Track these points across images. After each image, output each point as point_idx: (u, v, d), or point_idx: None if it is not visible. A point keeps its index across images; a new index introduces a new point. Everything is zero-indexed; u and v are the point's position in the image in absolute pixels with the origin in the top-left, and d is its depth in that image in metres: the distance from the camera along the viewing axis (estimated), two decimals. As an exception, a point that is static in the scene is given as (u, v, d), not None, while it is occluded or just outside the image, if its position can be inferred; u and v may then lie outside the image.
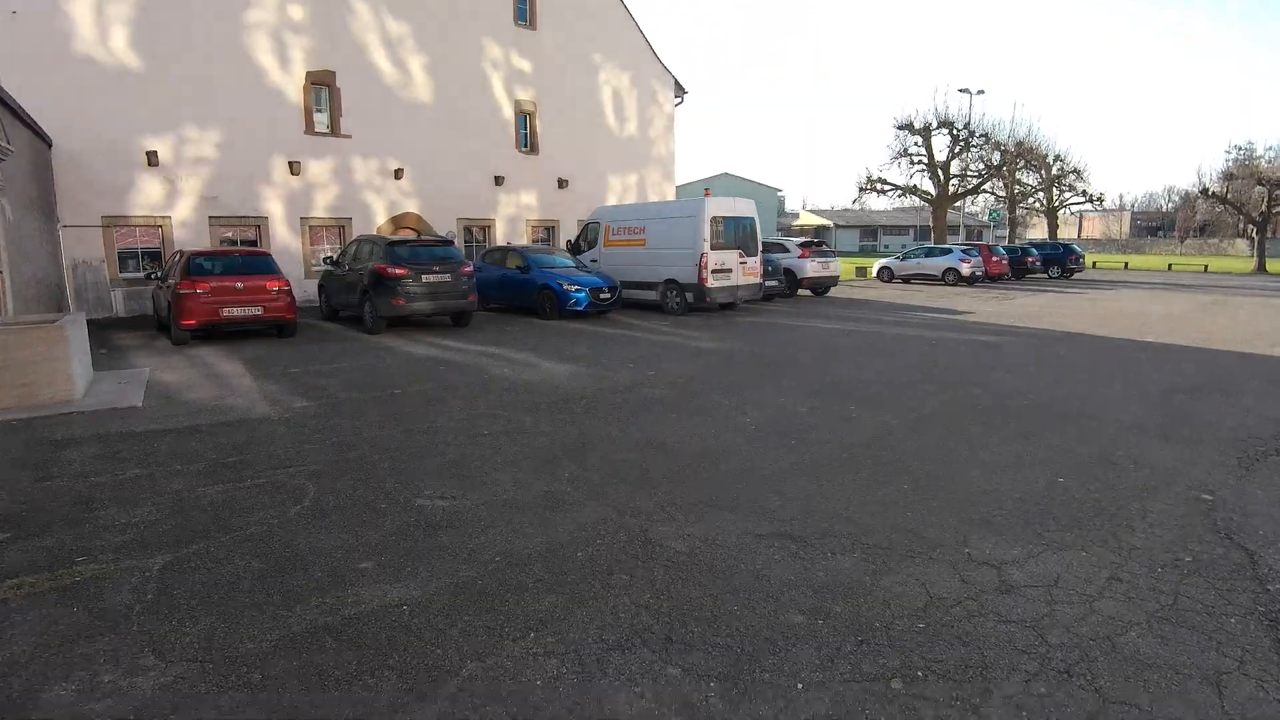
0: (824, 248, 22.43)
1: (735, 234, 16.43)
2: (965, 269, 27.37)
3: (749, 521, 4.37)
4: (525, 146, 23.06)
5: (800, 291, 21.29)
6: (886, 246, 76.28)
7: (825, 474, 5.25)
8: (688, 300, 16.02)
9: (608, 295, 15.51)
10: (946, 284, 27.33)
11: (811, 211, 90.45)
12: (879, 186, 38.69)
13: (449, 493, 4.86)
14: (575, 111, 24.05)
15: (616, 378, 8.90)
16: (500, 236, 22.43)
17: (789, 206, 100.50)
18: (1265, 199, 43.94)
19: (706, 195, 16.35)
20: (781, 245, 21.80)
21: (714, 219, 15.89)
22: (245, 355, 10.65)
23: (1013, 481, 5.11)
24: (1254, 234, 50.11)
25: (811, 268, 20.94)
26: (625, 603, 3.37)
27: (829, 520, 4.38)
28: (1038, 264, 33.15)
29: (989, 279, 29.00)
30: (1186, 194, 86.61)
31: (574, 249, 18.87)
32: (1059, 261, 34.34)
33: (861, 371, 9.32)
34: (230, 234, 17.75)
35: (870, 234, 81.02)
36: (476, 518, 4.42)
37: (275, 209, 18.25)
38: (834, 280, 22.07)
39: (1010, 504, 4.67)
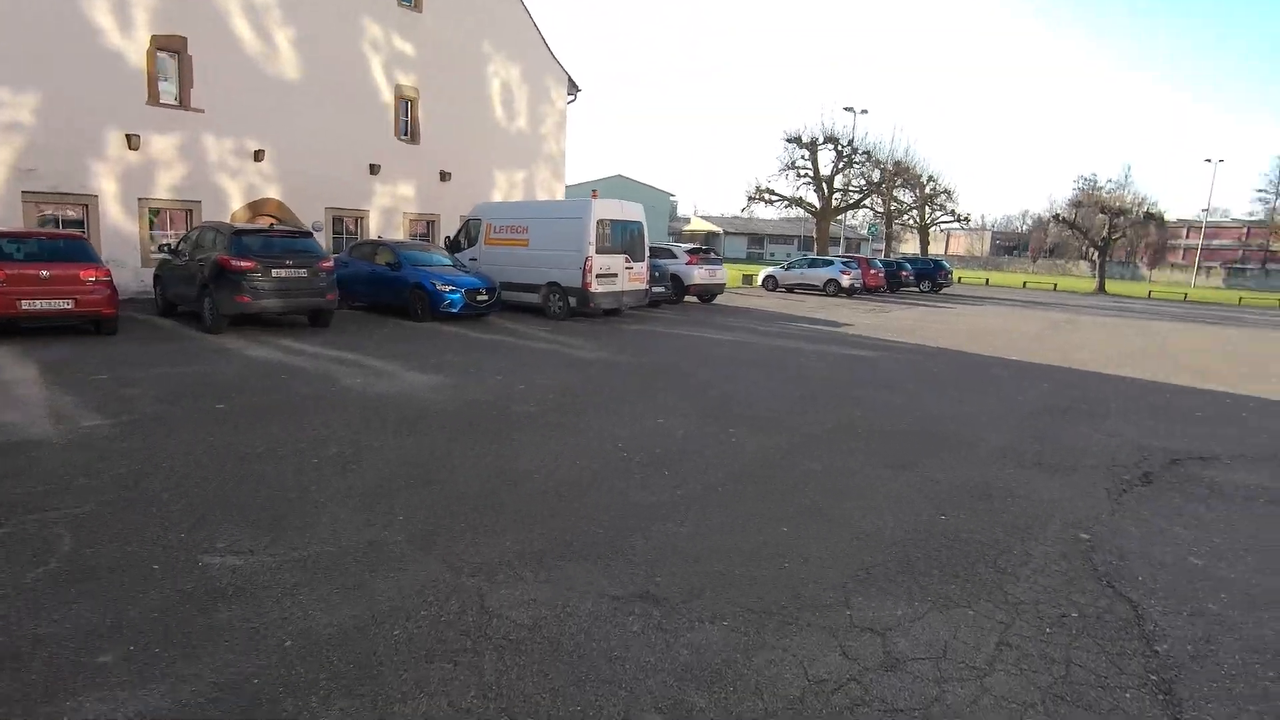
0: (711, 255, 22.36)
1: (622, 238, 15.92)
2: (845, 281, 28.17)
3: (608, 577, 3.77)
4: (405, 135, 21.66)
5: (687, 298, 21.10)
6: (773, 255, 78.55)
7: (699, 511, 4.74)
8: (571, 305, 15.37)
9: (485, 297, 14.60)
10: (828, 294, 28.04)
11: (702, 218, 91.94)
12: (767, 196, 39.46)
13: (248, 544, 3.98)
14: (461, 101, 22.85)
15: (483, 390, 8.12)
16: (374, 229, 20.95)
17: (681, 211, 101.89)
18: (1106, 226, 48.17)
19: (594, 197, 15.76)
20: (669, 251, 21.53)
21: (601, 222, 15.32)
22: (45, 358, 9.06)
23: (896, 519, 4.78)
24: (1095, 257, 55.04)
25: (699, 275, 20.78)
26: (440, 708, 2.68)
27: (699, 575, 3.85)
28: (911, 278, 34.72)
29: (867, 291, 30.01)
30: (1039, 218, 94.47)
31: (453, 246, 17.80)
32: (930, 276, 36.14)
33: (745, 387, 8.99)
34: (50, 212, 15.50)
35: (758, 242, 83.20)
36: (274, 582, 3.58)
37: (107, 187, 16.09)
38: (721, 288, 22.03)
39: (893, 549, 4.31)
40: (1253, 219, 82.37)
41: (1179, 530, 4.86)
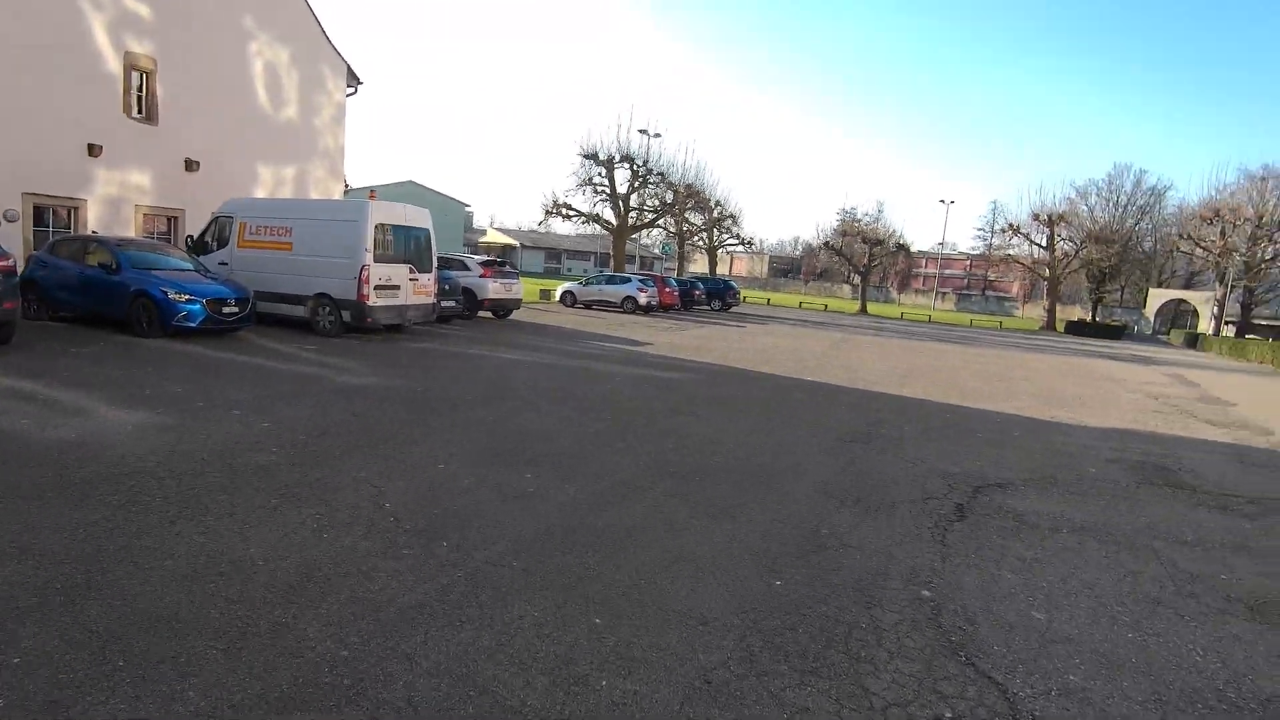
0: (507, 268, 21.13)
1: (406, 246, 14.26)
2: (642, 298, 28.25)
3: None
4: (140, 113, 18.09)
5: (481, 314, 19.69)
6: (570, 270, 78.62)
7: (475, 617, 3.58)
8: (344, 320, 13.41)
9: (235, 309, 12.22)
10: (625, 311, 27.93)
11: (499, 230, 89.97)
12: (564, 211, 38.94)
13: None
14: (214, 82, 19.61)
15: (209, 432, 6.31)
16: (94, 223, 17.19)
17: (477, 222, 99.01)
18: (866, 254, 53.60)
19: (371, 198, 13.94)
20: (462, 262, 19.98)
21: (380, 226, 13.56)
22: None
23: (729, 592, 3.99)
24: (857, 281, 61.16)
25: (493, 288, 19.45)
26: None
27: None
28: (703, 296, 35.88)
29: (662, 308, 30.40)
30: (808, 245, 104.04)
31: (197, 247, 15.00)
32: (720, 295, 37.65)
33: (544, 419, 7.94)
34: None
35: (555, 257, 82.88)
36: None
37: None
38: (517, 303, 20.87)
39: (732, 638, 3.48)
40: (974, 252, 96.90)
41: (1009, 576, 4.57)
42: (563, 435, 7.25)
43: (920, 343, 25.87)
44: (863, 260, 54.16)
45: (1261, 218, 44.33)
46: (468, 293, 18.69)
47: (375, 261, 13.34)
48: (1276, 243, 44.99)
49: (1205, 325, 54.22)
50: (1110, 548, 5.25)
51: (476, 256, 21.27)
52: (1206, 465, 8.24)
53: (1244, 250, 44.27)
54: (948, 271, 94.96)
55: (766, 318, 34.51)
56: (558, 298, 30.16)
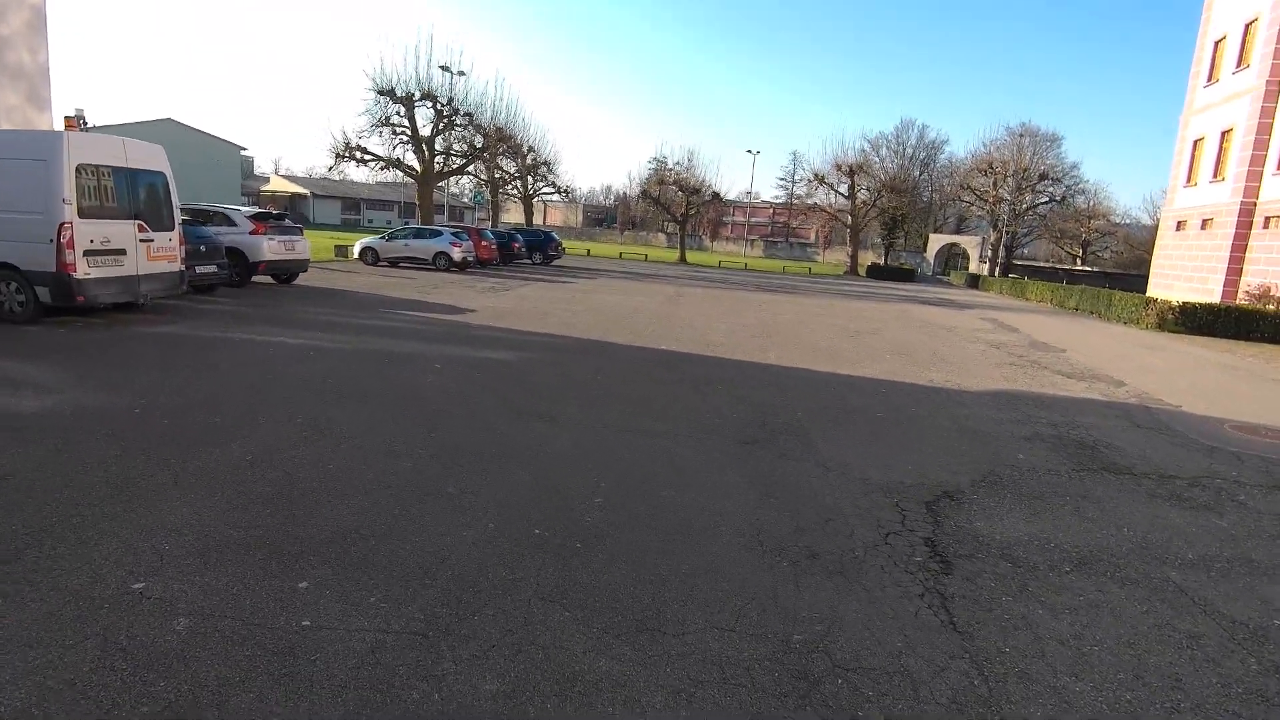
0: (287, 222, 17.30)
1: (132, 196, 10.58)
2: (457, 254, 25.27)
3: None
4: None
5: (256, 279, 15.96)
6: (371, 222, 71.73)
7: None
8: (39, 299, 9.68)
9: None
10: (438, 269, 24.83)
11: (285, 177, 79.98)
12: (359, 155, 34.14)
13: None
14: None
15: None
16: None
17: (259, 169, 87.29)
18: (684, 203, 53.21)
19: (69, 128, 10.11)
20: (226, 217, 15.97)
21: (88, 169, 9.87)
22: None
23: None
24: (673, 230, 61.02)
25: (270, 248, 15.74)
26: None
27: None
28: (523, 250, 33.25)
29: (479, 264, 27.58)
30: (621, 194, 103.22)
31: None
32: (541, 248, 35.20)
33: (331, 451, 5.44)
34: None
35: (353, 207, 75.19)
36: None
37: None
38: (303, 265, 17.22)
39: None
40: (778, 201, 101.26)
41: (1069, 682, 3.05)
42: (358, 476, 4.87)
43: (750, 294, 25.34)
44: (680, 209, 53.78)
45: (1025, 170, 49.42)
46: (236, 254, 14.94)
47: (83, 217, 9.67)
48: (1037, 192, 50.54)
49: (974, 265, 60.25)
50: (1137, 594, 3.96)
51: (245, 209, 17.21)
52: (1114, 435, 7.54)
53: (1011, 199, 49.24)
54: (754, 220, 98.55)
55: (593, 271, 32.68)
56: (356, 254, 26.21)
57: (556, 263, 36.46)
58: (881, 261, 58.51)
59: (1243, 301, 23.13)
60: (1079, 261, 66.05)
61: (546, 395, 7.56)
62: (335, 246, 28.29)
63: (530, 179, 49.02)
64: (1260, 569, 4.43)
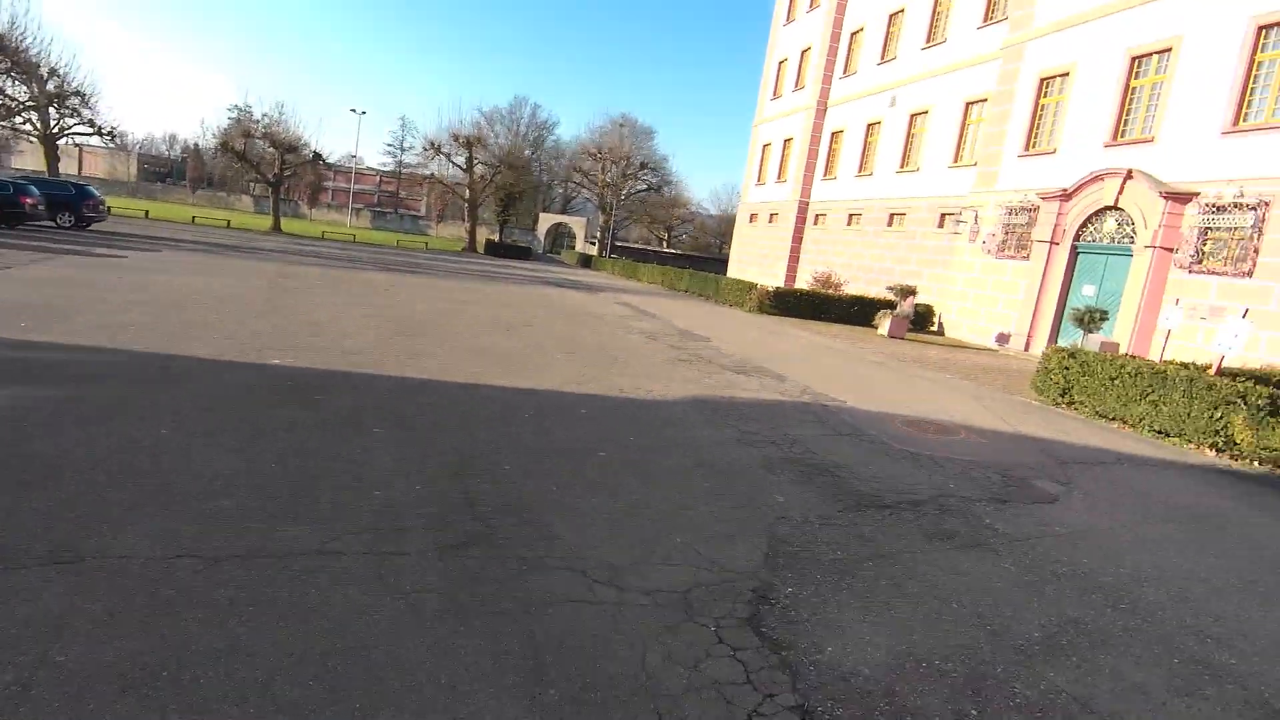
0: None
1: None
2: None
3: None
4: None
5: None
6: None
7: None
8: None
9: None
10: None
11: None
12: None
13: None
14: None
15: None
16: None
17: None
18: (278, 162, 45.67)
19: None
20: None
21: None
22: None
23: None
24: (261, 192, 52.14)
25: None
26: None
27: None
28: (41, 208, 24.33)
29: (-36, 227, 19.18)
30: (195, 145, 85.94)
31: None
32: (72, 207, 26.33)
33: None
34: None
35: None
36: None
37: None
38: None
39: None
40: (386, 169, 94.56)
41: None
42: None
43: (373, 274, 21.94)
44: (274, 169, 45.99)
45: (627, 158, 53.19)
46: None
47: None
48: (638, 179, 54.86)
49: (580, 245, 63.72)
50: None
51: None
52: (830, 449, 7.03)
53: (616, 183, 52.62)
54: (360, 187, 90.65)
55: (154, 240, 25.37)
56: None
57: (97, 227, 27.75)
58: (497, 238, 58.12)
59: (812, 286, 27.34)
60: (665, 244, 74.47)
61: (45, 493, 4.21)
62: None
63: (55, 112, 36.87)
64: (1111, 640, 3.81)
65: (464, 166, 50.23)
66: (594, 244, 62.06)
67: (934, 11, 27.10)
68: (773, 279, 34.78)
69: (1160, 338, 16.31)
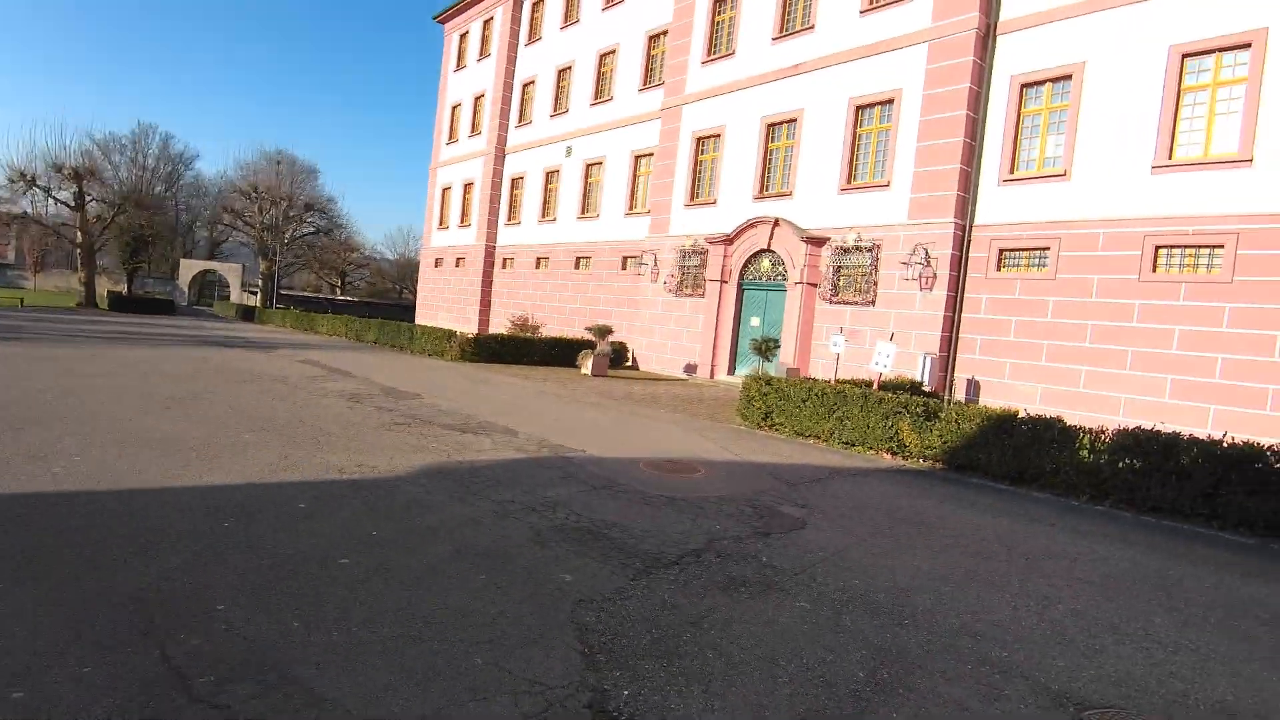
0: None
1: None
2: None
3: None
4: None
5: None
6: None
7: None
8: None
9: None
10: None
11: None
12: None
13: None
14: None
15: None
16: None
17: None
18: None
19: None
20: None
21: None
22: None
23: None
24: None
25: None
26: None
27: None
28: None
29: None
30: None
31: None
32: None
33: None
34: None
35: None
36: None
37: None
38: None
39: None
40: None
41: None
42: None
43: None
44: None
45: (290, 199, 48.17)
46: None
47: None
48: (304, 221, 49.86)
49: (235, 295, 56.35)
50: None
51: None
52: (591, 508, 6.65)
53: (280, 226, 47.26)
54: (-95, 230, 69.12)
55: None
56: None
57: None
58: (125, 290, 48.63)
59: (510, 329, 27.15)
60: (339, 291, 69.08)
61: None
62: None
63: None
64: (900, 657, 3.93)
65: (72, 204, 41.02)
66: (254, 293, 55.05)
67: (599, 72, 29.10)
68: (466, 324, 34.00)
69: (818, 359, 19.13)
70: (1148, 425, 8.59)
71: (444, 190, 38.60)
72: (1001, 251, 16.52)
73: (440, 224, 38.88)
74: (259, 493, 6.32)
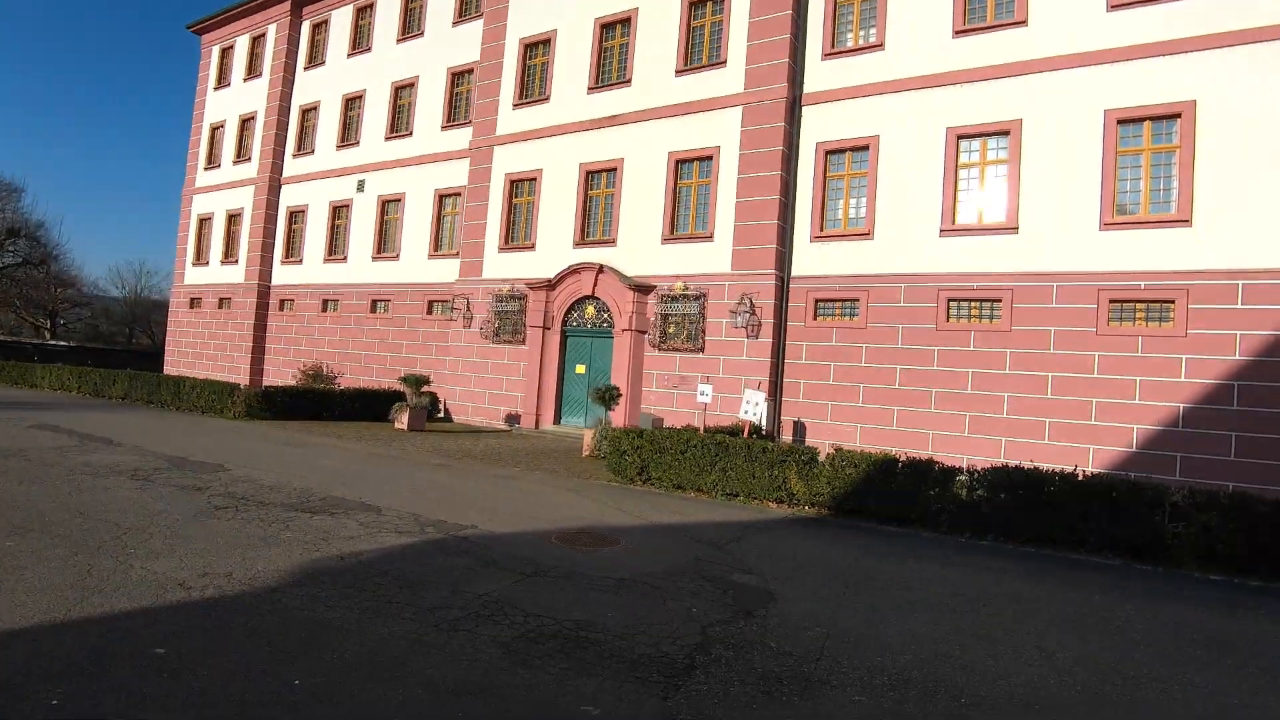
0: None
1: None
2: None
3: None
4: None
5: None
6: None
7: None
8: None
9: None
10: None
11: None
12: None
13: None
14: None
15: None
16: None
17: None
18: None
19: None
20: None
21: None
22: None
23: None
24: None
25: None
26: None
27: None
28: None
29: None
30: None
31: None
32: None
33: None
34: None
35: None
36: None
37: None
38: None
39: None
40: None
41: None
42: None
43: None
44: None
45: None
46: None
47: None
48: (5, 251, 40.35)
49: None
50: None
51: None
52: (538, 601, 5.63)
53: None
54: None
55: None
56: None
57: None
58: None
59: (301, 380, 23.95)
60: (49, 335, 57.19)
61: None
62: None
63: None
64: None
65: None
66: (-82, 340, 43.37)
67: (395, 104, 27.33)
68: (234, 374, 29.58)
69: (648, 405, 19.08)
70: (955, 458, 9.41)
71: (202, 220, 33.65)
72: (817, 302, 17.78)
73: (198, 259, 33.75)
74: (73, 640, 4.47)
